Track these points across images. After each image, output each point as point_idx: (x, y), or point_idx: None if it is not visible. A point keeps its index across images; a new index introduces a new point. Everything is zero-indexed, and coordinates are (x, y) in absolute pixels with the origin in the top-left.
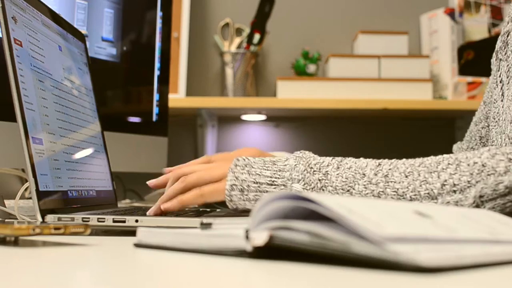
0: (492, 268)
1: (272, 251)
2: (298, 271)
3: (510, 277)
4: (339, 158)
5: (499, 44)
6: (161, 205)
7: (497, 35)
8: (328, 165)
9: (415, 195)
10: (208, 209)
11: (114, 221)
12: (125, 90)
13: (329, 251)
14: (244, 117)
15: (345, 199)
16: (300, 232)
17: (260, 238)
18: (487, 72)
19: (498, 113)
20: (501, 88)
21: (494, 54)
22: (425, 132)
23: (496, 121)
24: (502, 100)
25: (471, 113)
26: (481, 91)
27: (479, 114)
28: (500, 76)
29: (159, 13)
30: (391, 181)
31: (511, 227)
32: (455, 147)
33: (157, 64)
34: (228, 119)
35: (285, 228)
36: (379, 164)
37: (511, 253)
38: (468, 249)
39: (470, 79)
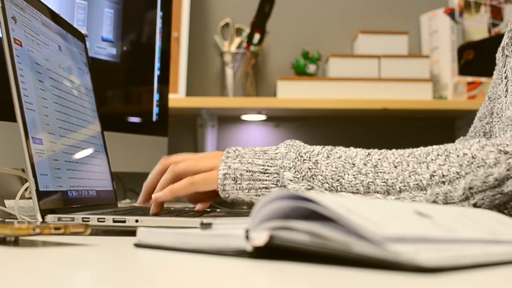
0: (492, 268)
1: (272, 251)
2: (298, 271)
3: (510, 277)
4: (329, 147)
5: (505, 40)
6: (153, 195)
7: (497, 35)
8: (318, 154)
9: (404, 185)
10: (208, 209)
11: (114, 221)
12: (125, 90)
13: (329, 251)
14: (244, 117)
15: (345, 198)
16: (300, 232)
17: (260, 238)
18: (487, 72)
19: (501, 109)
20: (506, 84)
21: (499, 50)
22: (425, 132)
23: (499, 117)
24: (506, 96)
25: (471, 113)
26: (481, 91)
27: (483, 109)
28: (505, 72)
29: (159, 13)
30: (381, 172)
31: (511, 227)
32: (458, 142)
33: (157, 64)
34: (228, 119)
35: (285, 228)
36: (369, 154)
37: (511, 253)
38: (468, 249)
39: (470, 79)
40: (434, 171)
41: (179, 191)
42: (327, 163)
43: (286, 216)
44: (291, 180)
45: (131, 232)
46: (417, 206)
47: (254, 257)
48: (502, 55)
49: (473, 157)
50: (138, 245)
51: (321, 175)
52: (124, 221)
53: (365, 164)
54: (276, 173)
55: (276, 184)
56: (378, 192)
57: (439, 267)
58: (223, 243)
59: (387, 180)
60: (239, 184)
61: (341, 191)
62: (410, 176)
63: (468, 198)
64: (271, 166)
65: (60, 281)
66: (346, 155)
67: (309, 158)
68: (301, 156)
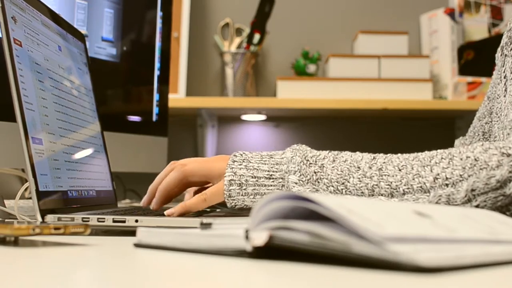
0: (492, 268)
1: (272, 251)
2: (298, 271)
3: (510, 277)
4: (336, 152)
5: (504, 39)
6: (165, 212)
7: (497, 35)
8: (324, 158)
9: (408, 188)
10: (208, 209)
11: (114, 221)
12: (125, 90)
13: (329, 251)
14: (244, 117)
15: (345, 199)
16: (300, 232)
17: (260, 238)
18: (487, 72)
19: (500, 108)
20: (505, 83)
21: (499, 49)
22: (425, 132)
23: (499, 117)
24: (505, 96)
25: (471, 113)
26: (481, 91)
27: (482, 109)
28: (504, 72)
29: (159, 13)
30: (385, 175)
31: (511, 227)
32: (457, 142)
33: (157, 64)
34: (228, 119)
35: (285, 228)
36: (374, 158)
37: (511, 253)
38: (468, 249)
39: (470, 79)
40: (438, 174)
41: (192, 208)
42: (332, 167)
43: (285, 216)
44: (296, 183)
45: (131, 232)
46: (417, 207)
47: (254, 257)
48: (501, 55)
49: (475, 159)
50: (138, 245)
51: (326, 179)
52: (124, 221)
53: (370, 168)
54: (281, 178)
55: (281, 189)
56: (382, 195)
57: (439, 267)
58: (223, 243)
59: (391, 183)
60: (244, 189)
61: (346, 194)
62: (414, 179)
63: (471, 200)
64: (276, 172)
65: (60, 281)
66: (351, 159)
67: (315, 162)
68: (307, 160)
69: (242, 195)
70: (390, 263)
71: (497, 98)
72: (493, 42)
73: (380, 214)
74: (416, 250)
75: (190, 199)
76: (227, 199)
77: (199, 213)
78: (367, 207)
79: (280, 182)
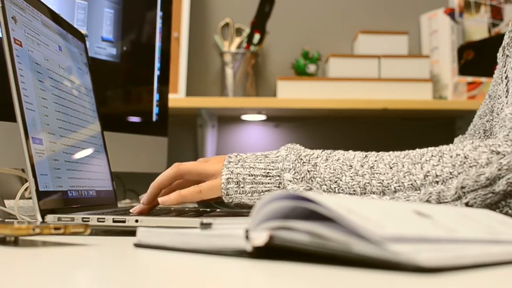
0: (492, 268)
1: (272, 251)
2: (298, 271)
3: (510, 277)
4: (329, 151)
5: (506, 40)
6: (159, 198)
7: (497, 35)
8: (317, 157)
9: (399, 186)
10: (208, 209)
11: (114, 221)
12: (125, 90)
13: (329, 251)
14: (244, 117)
15: (344, 199)
16: (300, 232)
17: (260, 238)
18: (487, 72)
19: (502, 109)
20: (506, 84)
21: (500, 49)
22: (425, 132)
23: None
24: (506, 97)
25: (471, 113)
26: (481, 91)
27: (483, 107)
28: (506, 73)
29: (159, 13)
30: (377, 173)
31: (510, 227)
32: (456, 140)
33: (157, 64)
34: (228, 119)
35: (285, 228)
36: (366, 156)
37: (511, 253)
38: (468, 249)
39: (470, 79)
40: (428, 172)
41: (187, 198)
42: (325, 166)
43: (285, 216)
44: (290, 181)
45: (131, 232)
46: (417, 206)
47: (254, 257)
48: (502, 55)
49: (465, 157)
50: (138, 245)
51: (319, 177)
52: (124, 221)
53: (362, 166)
54: (278, 176)
55: (278, 187)
56: (373, 193)
57: (439, 267)
58: (223, 243)
59: (382, 180)
60: (242, 188)
61: (339, 192)
62: (404, 177)
63: (461, 197)
64: (272, 169)
65: (60, 281)
66: (344, 158)
67: (309, 160)
68: (301, 159)
69: (240, 193)
70: (390, 263)
71: (499, 98)
72: (493, 42)
73: (380, 214)
74: (416, 250)
75: (186, 189)
76: (225, 197)
77: (199, 213)
78: (367, 206)
79: (277, 179)
